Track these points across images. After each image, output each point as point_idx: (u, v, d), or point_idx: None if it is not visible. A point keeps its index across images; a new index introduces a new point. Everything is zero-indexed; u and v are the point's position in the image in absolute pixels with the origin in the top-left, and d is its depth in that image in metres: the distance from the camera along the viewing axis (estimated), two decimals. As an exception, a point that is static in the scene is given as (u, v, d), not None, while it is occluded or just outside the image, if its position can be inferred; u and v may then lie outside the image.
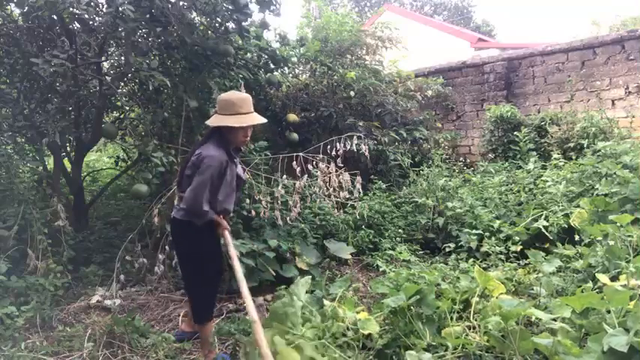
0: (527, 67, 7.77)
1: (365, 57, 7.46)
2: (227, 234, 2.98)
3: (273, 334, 2.74)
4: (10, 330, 3.25)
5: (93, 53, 4.86)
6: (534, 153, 6.60)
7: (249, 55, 5.59)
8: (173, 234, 3.09)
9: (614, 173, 4.75)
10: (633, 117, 6.60)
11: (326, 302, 3.23)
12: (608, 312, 2.56)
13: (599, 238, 3.77)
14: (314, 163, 4.84)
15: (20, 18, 4.56)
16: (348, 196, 4.84)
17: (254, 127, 3.06)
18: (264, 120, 2.99)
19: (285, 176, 4.69)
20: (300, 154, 4.79)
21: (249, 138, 3.04)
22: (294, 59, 7.00)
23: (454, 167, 7.14)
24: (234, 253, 2.88)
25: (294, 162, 4.77)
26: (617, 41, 6.79)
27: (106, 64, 5.53)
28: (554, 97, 7.46)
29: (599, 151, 5.40)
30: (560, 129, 6.84)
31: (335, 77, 6.96)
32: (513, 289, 3.72)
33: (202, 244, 2.97)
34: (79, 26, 4.62)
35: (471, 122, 8.44)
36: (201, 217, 2.83)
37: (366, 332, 2.94)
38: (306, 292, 3.31)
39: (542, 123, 7.04)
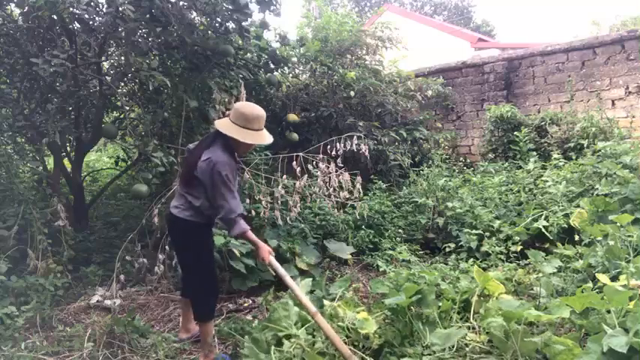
0: (527, 67, 7.77)
1: (365, 57, 7.46)
2: (273, 260, 2.90)
3: (270, 333, 2.77)
4: (10, 330, 3.25)
5: (93, 53, 4.86)
6: (534, 153, 6.59)
7: (249, 55, 5.59)
8: (173, 232, 3.08)
9: (614, 173, 4.75)
10: (633, 117, 6.61)
11: (326, 302, 3.23)
12: (608, 312, 2.56)
13: (599, 238, 3.77)
14: (314, 163, 4.84)
15: (20, 18, 4.56)
16: (348, 196, 4.84)
17: None
18: (270, 140, 2.95)
19: (285, 176, 4.69)
20: (300, 154, 4.79)
21: (249, 150, 3.04)
22: (294, 59, 7.00)
23: (454, 167, 7.14)
24: (287, 278, 2.87)
25: (294, 162, 4.77)
26: (617, 41, 6.79)
27: (106, 64, 5.53)
28: (554, 97, 7.46)
29: (599, 151, 5.40)
30: (560, 129, 6.84)
31: (335, 77, 6.96)
32: (513, 290, 3.72)
33: (205, 244, 2.99)
34: (79, 26, 4.61)
35: (470, 122, 8.43)
36: (237, 224, 2.78)
37: (363, 332, 2.94)
38: (306, 293, 3.33)
39: (542, 123, 7.04)
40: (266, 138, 2.93)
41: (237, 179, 2.99)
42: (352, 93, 6.82)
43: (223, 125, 2.87)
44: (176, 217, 2.95)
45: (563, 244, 4.29)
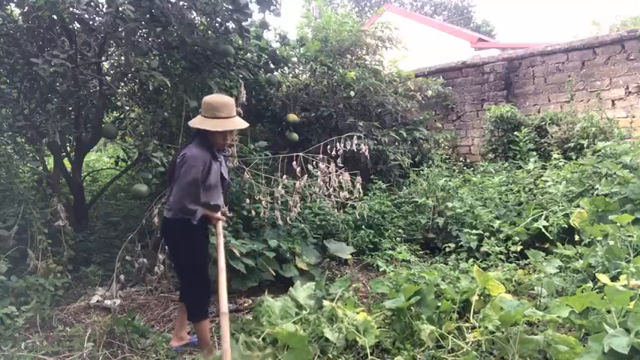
0: (527, 67, 7.77)
1: (365, 57, 7.45)
2: (219, 225, 3.01)
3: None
4: (10, 330, 3.25)
5: (93, 53, 4.85)
6: (534, 153, 6.59)
7: (249, 55, 5.59)
8: (164, 233, 3.13)
9: (614, 173, 4.75)
10: (633, 117, 6.60)
11: (325, 302, 3.23)
12: (609, 312, 2.56)
13: (599, 238, 3.77)
14: (314, 163, 4.84)
15: (20, 18, 4.56)
16: (348, 196, 4.84)
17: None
18: (244, 125, 3.00)
19: (285, 176, 4.68)
20: (300, 154, 4.79)
21: (229, 141, 3.06)
22: (294, 59, 6.99)
23: (454, 167, 7.14)
24: (221, 242, 2.92)
25: (294, 162, 4.77)
26: (617, 41, 6.78)
27: (106, 64, 5.53)
28: (554, 97, 7.46)
29: (599, 151, 5.39)
30: (560, 129, 6.83)
31: (335, 77, 6.95)
32: (513, 290, 3.72)
33: (192, 243, 2.97)
34: (79, 26, 4.61)
35: (470, 122, 8.43)
36: (190, 214, 2.87)
37: (361, 332, 2.94)
38: (307, 296, 3.35)
39: (542, 123, 7.04)
40: (238, 124, 2.96)
41: (217, 172, 3.00)
42: (352, 93, 6.81)
43: (195, 121, 2.93)
44: (164, 217, 3.04)
45: (563, 244, 4.29)
